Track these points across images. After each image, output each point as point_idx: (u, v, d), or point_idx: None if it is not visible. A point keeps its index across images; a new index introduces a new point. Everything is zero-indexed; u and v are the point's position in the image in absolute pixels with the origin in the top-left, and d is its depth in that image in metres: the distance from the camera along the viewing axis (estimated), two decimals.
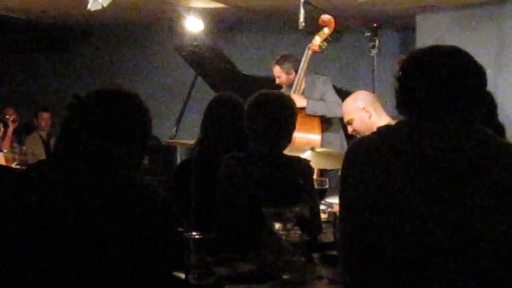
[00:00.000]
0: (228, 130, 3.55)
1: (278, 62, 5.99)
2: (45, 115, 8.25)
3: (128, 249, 1.90)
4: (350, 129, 4.31)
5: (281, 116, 3.17)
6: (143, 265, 1.92)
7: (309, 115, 5.76)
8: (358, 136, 4.14)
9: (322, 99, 5.89)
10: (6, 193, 2.00)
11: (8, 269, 1.93)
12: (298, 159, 3.25)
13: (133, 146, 2.09)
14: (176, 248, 2.16)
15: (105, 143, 2.03)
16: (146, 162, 6.32)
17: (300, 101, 5.57)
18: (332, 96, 5.90)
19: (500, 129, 2.98)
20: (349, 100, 4.33)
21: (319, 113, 5.82)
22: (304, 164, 3.19)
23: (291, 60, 5.99)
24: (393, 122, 4.11)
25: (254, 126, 3.18)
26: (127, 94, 2.14)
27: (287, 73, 5.93)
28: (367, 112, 4.19)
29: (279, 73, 5.97)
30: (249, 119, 3.20)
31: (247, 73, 7.20)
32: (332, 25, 5.79)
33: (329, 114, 5.81)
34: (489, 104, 2.93)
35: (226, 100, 3.67)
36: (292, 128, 3.23)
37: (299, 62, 5.93)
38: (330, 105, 5.78)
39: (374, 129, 3.72)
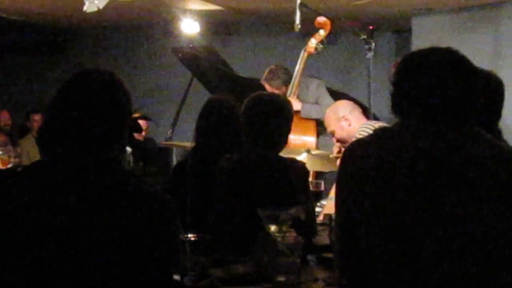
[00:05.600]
0: (221, 133, 3.55)
1: (266, 80, 5.94)
2: (36, 117, 8.24)
3: (129, 251, 1.89)
4: (334, 140, 4.49)
5: (277, 118, 3.17)
6: (144, 267, 1.91)
7: (305, 118, 5.76)
8: (343, 145, 4.29)
9: (316, 102, 5.89)
10: (4, 194, 1.99)
11: (6, 270, 1.92)
12: (294, 161, 3.25)
13: (115, 124, 2.06)
14: (178, 251, 2.16)
15: (87, 128, 2.00)
16: (141, 164, 6.32)
17: (295, 104, 5.56)
18: (327, 100, 5.90)
19: (496, 132, 2.97)
20: (329, 112, 4.57)
21: (314, 117, 5.82)
22: (299, 166, 3.19)
23: (279, 75, 5.92)
24: (367, 123, 4.28)
25: (250, 128, 3.17)
26: (96, 75, 2.11)
27: (278, 89, 5.87)
28: (346, 120, 4.39)
29: (270, 89, 5.90)
30: (245, 121, 3.20)
31: (243, 75, 7.19)
32: (328, 27, 5.79)
33: (323, 117, 5.81)
34: (496, 103, 2.91)
35: (218, 104, 3.67)
36: (288, 130, 3.23)
37: (289, 73, 5.91)
38: (325, 109, 5.78)
39: (356, 135, 3.79)
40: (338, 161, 3.54)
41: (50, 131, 2.03)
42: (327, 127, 4.56)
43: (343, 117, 4.41)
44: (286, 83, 5.90)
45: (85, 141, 1.99)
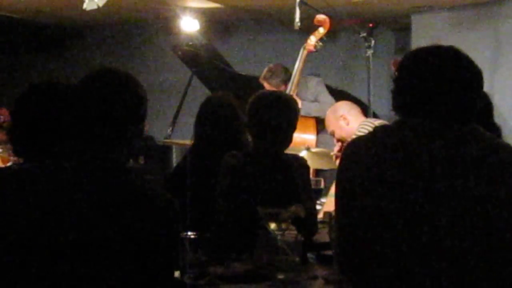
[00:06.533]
0: (220, 131, 3.56)
1: (265, 79, 5.93)
2: None
3: (131, 249, 1.89)
4: (335, 140, 4.53)
5: (283, 115, 3.18)
6: (146, 265, 1.91)
7: (305, 116, 5.76)
8: (344, 143, 4.31)
9: (316, 100, 5.89)
10: (3, 193, 1.99)
11: (6, 270, 1.92)
12: (296, 157, 3.27)
13: (125, 127, 2.05)
14: (178, 249, 2.16)
15: (94, 128, 2.00)
16: (141, 162, 6.32)
17: None
18: (326, 97, 5.90)
19: (496, 130, 2.98)
20: (328, 112, 4.61)
21: (314, 114, 5.82)
22: (301, 162, 3.21)
23: (277, 73, 5.91)
24: (367, 120, 4.32)
25: (256, 126, 3.18)
26: (111, 73, 2.10)
27: (277, 88, 5.86)
28: (345, 120, 4.44)
29: (269, 88, 5.88)
30: (251, 119, 3.20)
31: (242, 73, 7.19)
32: (328, 25, 5.78)
33: (323, 115, 5.80)
34: (485, 105, 2.93)
35: (218, 102, 3.67)
36: (293, 128, 3.24)
37: (288, 72, 5.91)
38: (324, 106, 5.78)
39: (356, 132, 3.81)
40: (338, 160, 3.55)
41: (50, 129, 2.03)
42: (328, 127, 4.60)
43: (341, 116, 4.45)
44: (285, 82, 5.89)
45: (88, 140, 1.99)
